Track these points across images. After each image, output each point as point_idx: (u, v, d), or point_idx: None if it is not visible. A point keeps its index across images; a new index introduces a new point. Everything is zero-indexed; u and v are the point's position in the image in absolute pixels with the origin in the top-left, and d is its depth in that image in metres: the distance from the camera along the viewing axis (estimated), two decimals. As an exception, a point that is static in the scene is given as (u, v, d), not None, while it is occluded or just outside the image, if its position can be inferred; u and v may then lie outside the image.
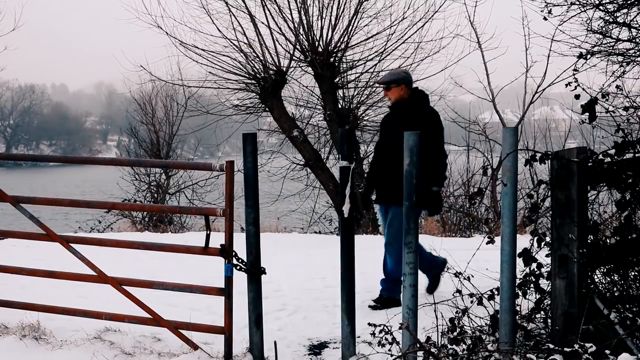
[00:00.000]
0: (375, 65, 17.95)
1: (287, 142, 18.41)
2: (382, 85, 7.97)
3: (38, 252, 10.78)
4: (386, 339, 5.63)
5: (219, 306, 6.46)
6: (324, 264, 10.17)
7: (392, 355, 5.35)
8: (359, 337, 6.33)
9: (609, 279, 5.54)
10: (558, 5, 9.42)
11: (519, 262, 5.40)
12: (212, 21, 17.38)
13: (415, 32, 17.58)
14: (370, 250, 9.68)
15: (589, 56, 7.58)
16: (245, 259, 6.15)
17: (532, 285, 5.67)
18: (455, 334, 5.63)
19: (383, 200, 7.94)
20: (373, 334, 5.76)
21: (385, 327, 5.66)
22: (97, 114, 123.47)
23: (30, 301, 7.09)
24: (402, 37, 17.60)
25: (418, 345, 5.04)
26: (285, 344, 6.81)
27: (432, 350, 5.03)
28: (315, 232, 18.43)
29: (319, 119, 18.96)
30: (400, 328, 5.44)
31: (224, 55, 17.56)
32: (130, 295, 6.50)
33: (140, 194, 22.16)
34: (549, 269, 5.46)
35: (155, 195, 22.40)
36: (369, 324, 5.82)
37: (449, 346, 5.34)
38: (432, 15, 17.53)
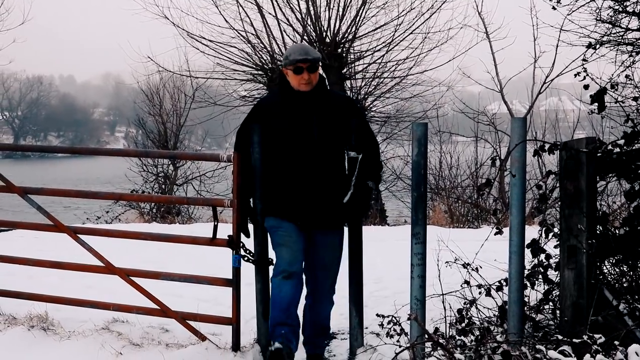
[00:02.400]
0: (383, 56, 17.94)
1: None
2: (304, 64, 5.61)
3: (46, 243, 10.80)
4: (394, 330, 5.62)
5: (226, 297, 6.45)
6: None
7: (400, 347, 5.34)
8: (366, 328, 6.32)
9: (618, 270, 5.51)
10: (567, -6, 9.36)
11: (528, 253, 5.38)
12: (220, 12, 17.38)
13: (423, 22, 17.61)
14: (379, 241, 9.69)
15: (598, 46, 7.53)
16: (252, 250, 6.14)
17: (540, 276, 5.65)
18: (463, 325, 5.62)
19: (301, 225, 5.79)
20: (381, 324, 5.75)
21: (393, 318, 5.65)
22: (105, 105, 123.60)
23: (38, 292, 7.10)
24: (409, 27, 17.62)
25: (426, 336, 5.02)
26: (294, 335, 6.79)
27: (440, 341, 5.01)
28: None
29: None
30: (408, 319, 5.43)
31: (231, 46, 17.60)
32: (138, 286, 6.50)
33: (148, 185, 22.17)
34: (557, 260, 5.44)
35: (163, 186, 22.41)
36: (377, 315, 5.81)
37: (457, 337, 5.33)
38: (440, 6, 17.53)
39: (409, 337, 5.55)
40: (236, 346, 6.14)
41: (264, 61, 17.35)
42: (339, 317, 7.22)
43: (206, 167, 22.24)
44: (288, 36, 17.36)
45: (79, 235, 6.69)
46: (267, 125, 5.69)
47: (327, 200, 5.73)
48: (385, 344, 5.72)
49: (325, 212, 5.75)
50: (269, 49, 17.24)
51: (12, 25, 20.51)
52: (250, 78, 17.95)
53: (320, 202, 5.71)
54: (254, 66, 17.48)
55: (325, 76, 5.93)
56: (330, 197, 5.73)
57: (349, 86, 18.22)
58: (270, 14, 17.19)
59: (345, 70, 17.75)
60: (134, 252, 9.52)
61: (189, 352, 6.09)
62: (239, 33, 17.37)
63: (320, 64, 5.80)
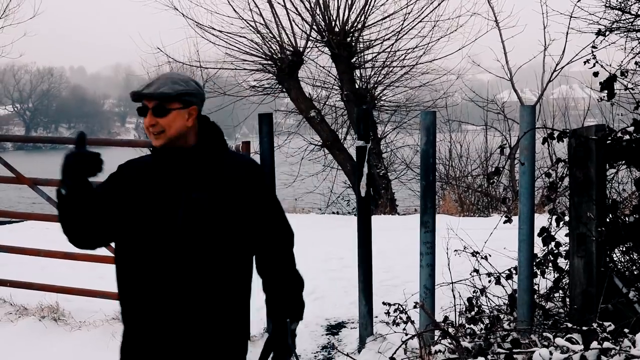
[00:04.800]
0: (392, 44, 17.89)
1: (305, 123, 18.38)
2: (148, 102, 3.28)
3: (57, 234, 10.83)
4: (401, 318, 5.63)
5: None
6: (342, 245, 10.15)
7: (407, 335, 5.35)
8: (376, 317, 6.33)
9: (627, 258, 5.50)
10: (577, -19, 9.35)
11: (537, 241, 5.38)
12: (229, 2, 17.35)
13: (432, 10, 17.51)
14: (388, 230, 9.68)
15: (607, 33, 7.49)
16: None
17: (550, 264, 5.64)
18: (473, 313, 5.62)
19: None
20: (388, 313, 5.76)
21: (400, 306, 5.65)
22: (115, 96, 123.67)
23: (49, 283, 7.13)
24: (419, 16, 17.52)
25: (434, 325, 5.04)
26: (303, 324, 6.76)
27: (449, 330, 5.02)
28: (333, 213, 18.42)
29: (336, 99, 18.92)
30: (415, 307, 5.44)
31: (240, 37, 17.56)
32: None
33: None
34: (567, 248, 5.43)
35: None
36: (384, 303, 5.82)
37: (467, 325, 5.33)
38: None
39: (417, 325, 5.56)
40: (246, 335, 6.15)
41: (273, 51, 17.30)
42: (349, 305, 7.24)
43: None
44: (297, 26, 17.35)
45: (89, 226, 6.71)
46: (121, 201, 3.30)
47: (196, 343, 3.27)
48: (395, 332, 5.72)
49: None
50: (278, 39, 17.20)
51: (23, 18, 20.57)
52: (260, 68, 17.90)
53: (184, 346, 3.27)
54: (264, 56, 17.44)
55: (219, 130, 3.44)
56: (204, 339, 3.29)
57: (358, 75, 18.18)
58: (279, 3, 17.17)
59: (354, 59, 17.71)
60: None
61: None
62: (248, 23, 17.37)
63: (180, 104, 3.26)
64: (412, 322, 5.51)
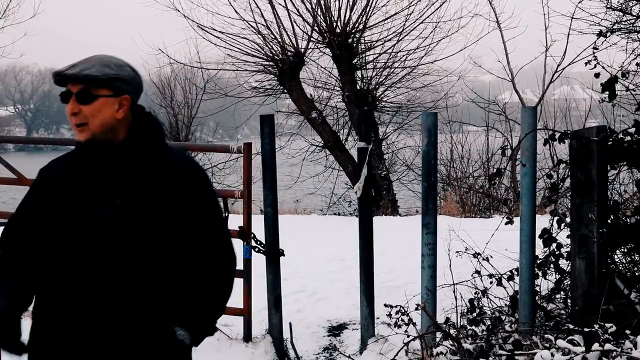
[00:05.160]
0: (394, 45, 17.89)
1: (306, 124, 18.39)
2: (73, 86, 2.79)
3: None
4: (402, 320, 5.63)
5: (237, 288, 6.46)
6: (343, 246, 10.16)
7: (408, 336, 5.35)
8: (378, 318, 6.33)
9: (629, 259, 5.49)
10: (578, -18, 9.34)
11: (539, 242, 5.38)
12: (230, 3, 17.36)
13: (434, 12, 17.50)
14: (390, 231, 9.68)
15: (609, 34, 7.50)
16: (263, 241, 6.16)
17: (551, 266, 5.64)
18: (474, 314, 5.62)
19: None
20: (389, 314, 5.76)
21: (401, 308, 5.65)
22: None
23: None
24: (420, 17, 17.51)
25: (435, 327, 5.04)
26: (305, 325, 6.83)
27: (450, 331, 5.02)
28: (335, 214, 18.42)
29: (338, 100, 18.92)
30: (416, 309, 5.44)
31: (242, 38, 17.57)
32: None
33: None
34: (568, 249, 5.43)
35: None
36: (385, 305, 5.82)
37: (468, 327, 5.33)
38: (451, -6, 17.44)
39: (419, 327, 5.56)
40: (247, 337, 6.16)
41: (274, 52, 17.30)
42: (351, 307, 7.24)
43: (217, 158, 22.26)
44: (298, 27, 17.34)
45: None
46: (41, 207, 2.90)
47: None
48: (397, 333, 5.73)
49: None
50: (280, 40, 17.20)
51: (23, 18, 20.56)
52: (261, 69, 17.90)
53: None
54: (265, 57, 17.43)
55: (157, 123, 2.94)
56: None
57: (360, 76, 18.18)
58: (280, 4, 17.17)
59: (355, 60, 17.71)
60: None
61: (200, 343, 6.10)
62: (249, 24, 17.36)
63: (109, 90, 2.77)
64: (414, 324, 5.51)
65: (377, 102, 18.42)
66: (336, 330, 6.80)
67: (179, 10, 17.75)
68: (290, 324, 6.39)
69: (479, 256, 6.08)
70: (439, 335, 5.23)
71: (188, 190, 2.83)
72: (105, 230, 2.72)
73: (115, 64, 2.79)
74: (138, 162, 2.80)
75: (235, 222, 6.37)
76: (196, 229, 2.87)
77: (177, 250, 2.84)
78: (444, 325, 5.30)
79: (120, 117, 2.78)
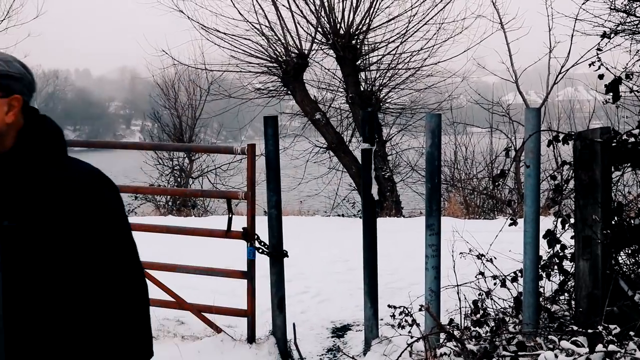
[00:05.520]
0: (397, 47, 17.89)
1: (310, 125, 18.38)
2: None
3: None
4: (406, 321, 5.62)
5: (241, 289, 6.47)
6: (347, 247, 10.16)
7: (412, 337, 5.35)
8: (381, 319, 6.32)
9: (633, 260, 5.49)
10: (582, -17, 9.34)
11: (543, 243, 5.37)
12: (233, 4, 17.38)
13: (437, 13, 17.49)
14: (393, 232, 9.68)
15: (612, 35, 7.48)
16: (267, 242, 6.16)
17: (555, 267, 5.64)
18: (478, 316, 5.61)
19: None
20: (393, 315, 5.75)
21: (405, 309, 5.65)
22: (121, 99, 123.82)
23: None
24: (423, 18, 17.51)
25: (439, 328, 5.03)
26: (309, 327, 6.83)
27: (454, 332, 5.02)
28: (338, 215, 18.42)
29: (341, 101, 18.91)
30: (420, 310, 5.43)
31: (245, 39, 17.58)
32: (154, 278, 6.53)
33: (163, 179, 22.24)
34: (572, 251, 5.42)
35: (179, 179, 22.46)
36: (389, 306, 5.82)
37: (472, 328, 5.33)
38: (454, -4, 17.44)
39: (423, 328, 5.56)
40: (251, 338, 6.17)
41: (278, 53, 17.30)
42: (354, 308, 7.25)
43: (221, 160, 22.28)
44: (302, 28, 17.35)
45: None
46: None
47: None
48: (400, 335, 5.72)
49: None
50: (283, 41, 17.21)
51: (27, 19, 20.54)
52: (265, 70, 17.90)
53: None
54: (269, 58, 17.44)
55: (53, 128, 2.40)
56: None
57: (363, 77, 18.18)
58: (284, 5, 17.18)
59: (359, 61, 17.71)
60: (149, 244, 9.53)
61: (204, 344, 6.12)
62: (253, 25, 17.38)
63: (17, 91, 2.29)
64: (418, 325, 5.51)
65: (381, 104, 18.41)
66: (340, 331, 6.80)
67: (182, 12, 17.77)
68: (294, 324, 6.39)
69: (482, 257, 6.07)
70: (442, 336, 5.22)
71: (77, 211, 2.22)
72: None
73: (2, 59, 2.28)
74: (26, 176, 2.22)
75: (239, 223, 6.39)
76: (87, 262, 2.23)
77: (69, 289, 2.23)
78: (448, 327, 5.30)
79: (10, 121, 2.23)
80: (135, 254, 2.37)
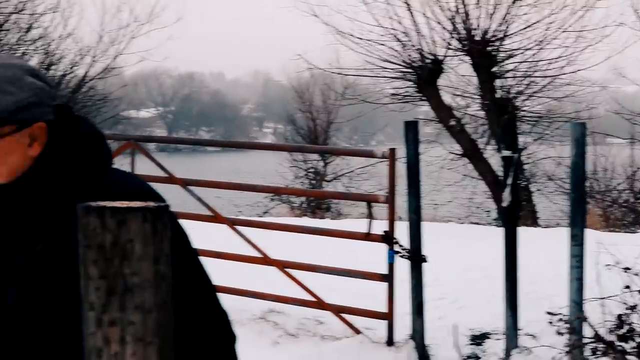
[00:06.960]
0: (534, 54, 17.60)
1: (442, 131, 18.29)
2: None
3: (199, 233, 11.16)
4: (564, 329, 5.52)
5: (379, 293, 6.53)
6: (483, 255, 10.06)
7: (556, 349, 5.27)
8: (521, 329, 6.26)
9: None
10: None
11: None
12: (368, 10, 17.50)
13: (576, 20, 17.10)
14: (531, 242, 9.52)
15: None
16: (407, 247, 6.21)
17: None
18: (623, 330, 5.48)
19: None
20: (550, 322, 5.64)
21: (563, 316, 5.54)
22: (254, 102, 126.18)
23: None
24: (562, 26, 17.16)
25: (594, 339, 4.94)
26: (446, 333, 6.82)
27: (602, 346, 4.93)
28: (473, 223, 18.25)
29: (476, 108, 18.74)
30: (576, 319, 5.33)
31: (380, 44, 17.64)
32: (294, 278, 6.67)
33: (298, 181, 22.57)
34: None
35: (313, 182, 22.74)
36: (548, 313, 5.71)
37: (617, 343, 5.21)
38: (594, 4, 17.01)
39: (566, 340, 5.47)
40: (390, 341, 6.22)
41: (412, 59, 17.32)
42: (492, 316, 7.19)
43: (355, 164, 22.43)
44: (437, 34, 17.31)
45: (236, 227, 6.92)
46: None
47: None
48: (542, 345, 5.65)
49: None
50: (418, 46, 17.20)
51: (167, 23, 21.24)
52: (400, 76, 17.94)
53: None
54: (403, 64, 17.47)
55: (91, 134, 1.96)
56: None
57: (499, 85, 17.97)
58: (419, 12, 17.17)
59: (495, 68, 17.51)
60: (286, 244, 9.73)
61: (343, 345, 6.21)
62: (388, 31, 17.43)
63: (39, 115, 1.86)
64: (578, 333, 5.39)
65: (517, 111, 18.14)
66: (479, 339, 6.77)
67: (317, 16, 18.02)
68: (454, 327, 6.38)
69: (629, 271, 5.92)
70: (588, 350, 5.13)
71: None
72: (19, 291, 1.85)
73: (9, 81, 1.81)
74: (57, 195, 1.87)
75: (375, 227, 6.44)
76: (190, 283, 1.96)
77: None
78: (605, 339, 5.19)
79: (35, 153, 1.86)
80: (209, 282, 2.05)
